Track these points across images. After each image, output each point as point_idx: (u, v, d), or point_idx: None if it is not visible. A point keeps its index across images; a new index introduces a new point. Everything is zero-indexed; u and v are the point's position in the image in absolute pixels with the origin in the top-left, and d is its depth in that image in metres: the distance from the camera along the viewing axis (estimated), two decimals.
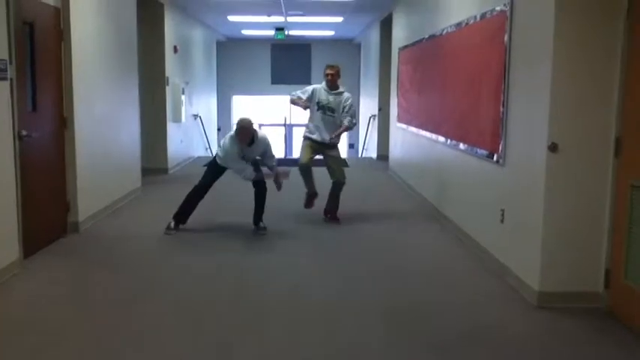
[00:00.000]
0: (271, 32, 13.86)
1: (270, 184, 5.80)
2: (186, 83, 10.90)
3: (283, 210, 6.52)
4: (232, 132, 5.64)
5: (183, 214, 5.74)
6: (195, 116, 12.03)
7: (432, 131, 6.79)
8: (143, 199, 7.35)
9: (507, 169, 4.46)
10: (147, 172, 8.45)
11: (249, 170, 5.58)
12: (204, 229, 5.86)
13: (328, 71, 6.12)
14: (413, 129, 7.89)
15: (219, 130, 15.40)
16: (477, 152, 5.12)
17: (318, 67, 16.72)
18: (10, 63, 4.39)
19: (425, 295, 4.18)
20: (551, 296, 3.89)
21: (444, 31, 6.25)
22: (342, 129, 6.15)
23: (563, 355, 3.31)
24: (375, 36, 12.26)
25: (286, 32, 13.83)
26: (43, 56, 5.04)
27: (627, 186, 3.62)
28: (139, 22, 7.85)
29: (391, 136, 9.98)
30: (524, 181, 4.16)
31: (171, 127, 9.82)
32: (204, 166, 6.07)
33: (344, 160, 6.20)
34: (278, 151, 6.50)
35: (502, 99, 4.51)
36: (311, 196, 6.30)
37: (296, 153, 8.75)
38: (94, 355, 3.22)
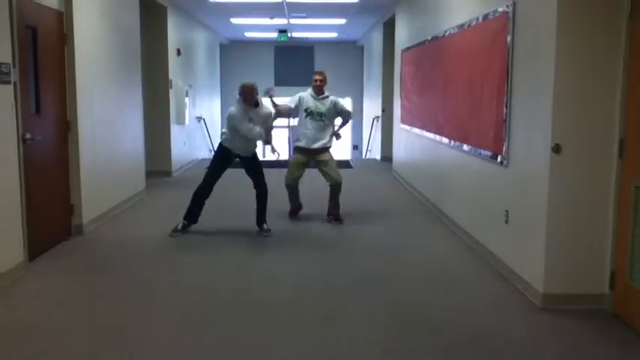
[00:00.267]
0: (274, 34, 13.88)
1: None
2: (190, 86, 10.92)
3: (286, 211, 6.52)
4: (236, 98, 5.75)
5: (190, 214, 5.76)
6: (199, 119, 12.06)
7: (435, 132, 6.79)
8: (147, 202, 7.36)
9: (511, 171, 4.45)
10: (151, 175, 8.46)
11: (258, 129, 5.62)
12: (209, 232, 5.86)
13: (316, 77, 6.28)
14: (416, 130, 7.88)
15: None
16: (480, 153, 5.11)
17: (321, 69, 16.72)
18: (14, 66, 4.40)
19: (428, 296, 4.17)
20: (555, 298, 3.88)
21: (447, 33, 6.24)
22: (341, 125, 6.41)
23: (568, 358, 3.29)
24: (377, 38, 12.26)
25: (289, 34, 13.85)
26: (46, 60, 5.06)
27: (631, 187, 3.61)
28: (142, 25, 7.87)
29: (395, 137, 9.97)
30: (528, 182, 4.15)
31: (174, 130, 9.84)
32: (207, 168, 6.08)
33: (335, 161, 6.31)
34: (283, 153, 6.56)
35: (505, 100, 4.50)
36: (295, 209, 6.49)
37: None
38: (97, 358, 3.22)
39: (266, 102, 6.04)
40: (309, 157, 6.24)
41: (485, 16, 4.98)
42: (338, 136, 6.41)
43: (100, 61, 6.17)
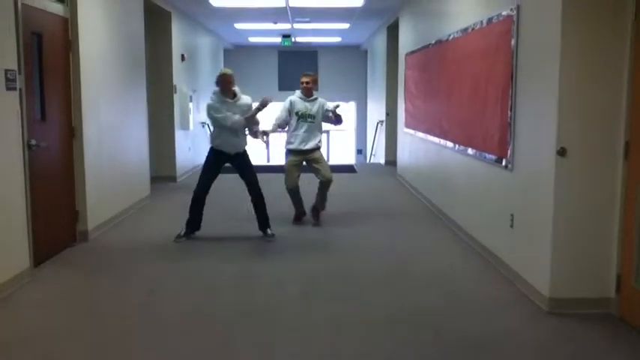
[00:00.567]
0: (278, 39, 13.90)
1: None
2: (194, 91, 10.94)
3: (287, 216, 6.52)
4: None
5: (191, 221, 5.75)
6: (203, 124, 12.07)
7: (439, 136, 6.78)
8: (152, 207, 7.37)
9: (516, 174, 4.44)
10: (155, 180, 8.48)
11: (236, 117, 5.57)
12: (213, 238, 5.86)
13: (304, 79, 6.33)
14: (420, 134, 7.88)
15: None
16: (485, 157, 5.10)
17: (325, 74, 16.74)
18: (19, 73, 4.42)
19: (434, 301, 4.16)
20: (561, 302, 3.86)
21: (451, 36, 6.24)
22: (338, 121, 6.42)
23: None
24: (381, 42, 12.26)
25: (293, 39, 13.87)
26: (51, 66, 5.08)
27: (637, 190, 3.59)
28: (147, 31, 7.90)
29: (399, 141, 9.96)
30: (533, 185, 4.13)
31: (179, 135, 9.85)
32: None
33: (325, 159, 6.39)
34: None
35: (510, 104, 4.49)
36: (299, 215, 6.51)
37: None
38: None
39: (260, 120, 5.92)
40: (301, 157, 6.31)
41: (490, 20, 4.98)
42: (339, 119, 6.38)
43: (104, 67, 6.20)
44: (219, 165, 5.75)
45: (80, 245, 5.52)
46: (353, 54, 16.65)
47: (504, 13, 4.62)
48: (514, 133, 4.44)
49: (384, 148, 12.14)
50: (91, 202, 5.70)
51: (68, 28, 5.39)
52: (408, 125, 8.86)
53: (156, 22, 9.11)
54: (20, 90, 4.44)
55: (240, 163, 5.76)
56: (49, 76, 5.03)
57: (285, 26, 11.98)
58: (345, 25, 12.06)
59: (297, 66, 16.90)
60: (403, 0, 9.03)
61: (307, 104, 6.30)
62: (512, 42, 4.43)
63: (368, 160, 14.72)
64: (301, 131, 6.26)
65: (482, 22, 5.19)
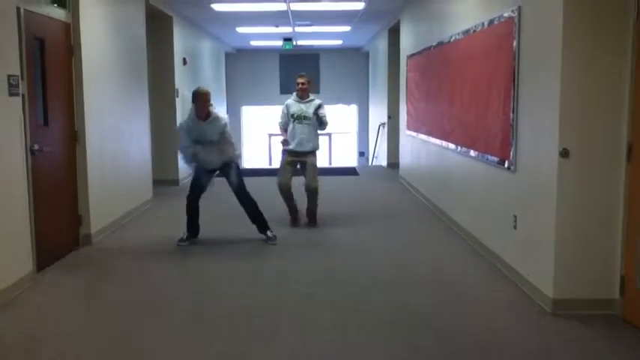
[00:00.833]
0: (279, 43, 13.92)
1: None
2: None
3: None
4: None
5: (189, 225, 5.74)
6: None
7: (441, 138, 6.78)
8: (155, 211, 7.38)
9: (519, 176, 4.43)
10: (158, 184, 8.48)
11: (189, 152, 5.45)
12: (215, 241, 5.87)
13: (299, 80, 6.37)
14: (422, 136, 7.88)
15: None
16: (487, 159, 5.09)
17: (326, 77, 16.78)
18: (22, 79, 4.43)
19: (436, 302, 4.15)
20: (565, 303, 3.85)
21: (452, 38, 6.25)
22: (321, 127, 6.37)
23: None
24: (383, 44, 12.27)
25: (294, 42, 13.89)
26: (53, 71, 5.10)
27: None
28: (148, 35, 7.92)
29: (401, 143, 9.96)
30: (536, 187, 4.13)
31: None
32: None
33: (317, 167, 6.42)
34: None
35: (512, 105, 4.49)
36: (294, 217, 6.50)
37: None
38: None
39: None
40: (296, 158, 6.34)
41: (491, 22, 4.98)
42: (322, 123, 6.31)
43: (106, 72, 6.21)
44: (208, 171, 5.67)
45: (83, 249, 5.52)
46: (354, 57, 16.66)
47: (506, 14, 4.62)
48: (516, 134, 4.44)
49: (386, 151, 12.14)
50: (94, 206, 5.71)
51: (70, 33, 5.41)
52: (409, 127, 8.86)
53: (158, 26, 9.13)
54: (23, 95, 4.45)
55: (226, 172, 5.67)
56: (51, 81, 5.04)
57: (286, 29, 12.00)
58: (347, 28, 12.08)
59: (298, 69, 16.72)
60: (404, 2, 9.04)
61: (302, 106, 6.33)
62: (514, 43, 4.43)
63: (370, 163, 14.72)
64: (297, 133, 6.29)
65: (483, 23, 5.19)
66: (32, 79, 4.68)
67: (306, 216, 6.47)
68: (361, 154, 17.02)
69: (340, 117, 17.27)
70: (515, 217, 4.47)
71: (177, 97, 9.65)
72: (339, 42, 14.95)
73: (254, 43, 14.92)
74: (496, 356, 3.32)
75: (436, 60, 7.06)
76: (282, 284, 4.59)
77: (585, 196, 3.80)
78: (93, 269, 5.03)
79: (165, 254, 5.43)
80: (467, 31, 5.70)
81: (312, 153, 6.37)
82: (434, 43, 7.13)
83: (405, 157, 9.52)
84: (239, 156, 5.72)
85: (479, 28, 5.32)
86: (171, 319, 3.88)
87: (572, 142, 3.74)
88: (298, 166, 6.39)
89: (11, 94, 4.27)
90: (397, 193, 8.83)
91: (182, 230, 5.79)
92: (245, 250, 5.58)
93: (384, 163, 12.30)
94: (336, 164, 16.66)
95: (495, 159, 4.88)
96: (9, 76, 4.23)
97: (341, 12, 10.08)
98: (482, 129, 5.25)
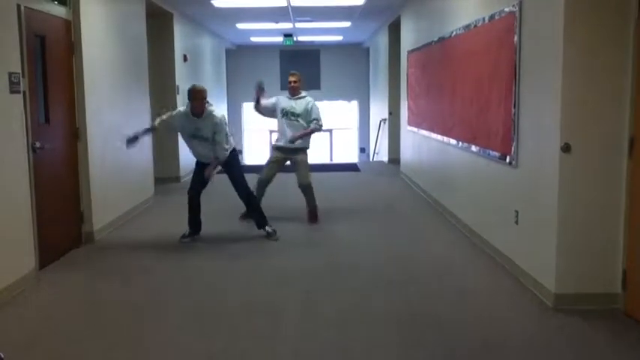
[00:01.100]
0: (280, 39, 13.90)
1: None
2: None
3: (294, 214, 6.52)
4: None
5: (191, 222, 5.75)
6: None
7: (442, 134, 6.77)
8: (156, 208, 7.39)
9: (520, 171, 4.43)
10: (159, 181, 8.49)
11: (151, 126, 5.52)
12: (218, 238, 5.87)
13: (290, 78, 6.41)
14: (423, 132, 7.87)
15: None
16: (489, 154, 5.09)
17: (327, 72, 16.76)
18: (23, 76, 4.43)
19: (438, 298, 4.15)
20: (567, 298, 3.85)
21: (453, 34, 6.23)
22: (305, 131, 6.27)
23: (581, 358, 3.27)
24: (383, 40, 12.25)
25: (295, 38, 13.87)
26: (54, 69, 5.09)
27: None
28: (149, 32, 7.90)
29: (402, 139, 9.96)
30: (537, 182, 4.13)
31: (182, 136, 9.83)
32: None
33: (308, 164, 6.44)
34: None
35: (513, 100, 4.49)
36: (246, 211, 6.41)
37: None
38: None
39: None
40: (286, 155, 6.36)
41: (492, 17, 4.97)
42: (296, 140, 6.21)
43: (107, 69, 6.21)
44: (206, 165, 5.61)
45: (86, 246, 5.53)
46: (355, 52, 16.63)
47: (507, 9, 4.61)
48: (518, 129, 4.44)
49: (387, 147, 12.14)
50: (96, 204, 5.72)
51: (71, 30, 5.41)
52: (410, 123, 8.85)
53: (158, 23, 9.12)
54: (24, 93, 4.45)
55: (226, 165, 5.69)
56: (52, 78, 5.04)
57: (286, 25, 11.98)
58: (347, 24, 12.06)
59: (299, 65, 16.86)
60: None
61: (292, 103, 6.35)
62: (515, 38, 4.43)
63: (371, 159, 14.72)
64: (285, 128, 6.32)
65: (484, 18, 5.18)
66: (33, 76, 4.68)
67: (307, 214, 6.46)
68: (362, 150, 17.02)
69: (341, 113, 17.27)
70: (516, 212, 4.47)
71: (178, 93, 9.63)
72: (339, 38, 14.93)
73: (254, 39, 14.90)
74: (498, 351, 3.33)
75: (437, 55, 7.05)
76: (283, 281, 4.59)
77: (587, 191, 3.80)
78: (95, 267, 5.04)
79: (166, 251, 5.44)
80: (468, 26, 5.69)
81: (302, 150, 6.38)
82: (435, 39, 7.12)
83: (406, 153, 9.52)
84: (227, 155, 5.58)
85: (480, 23, 5.31)
86: (173, 317, 3.89)
87: (573, 136, 3.74)
88: (288, 163, 6.41)
89: (12, 92, 4.27)
90: (398, 189, 8.83)
91: (183, 227, 5.80)
92: (246, 247, 5.59)
93: (385, 159, 12.30)
94: (337, 160, 16.66)
95: (497, 154, 4.87)
96: (10, 74, 4.23)
97: (341, 8, 10.06)
98: (483, 124, 5.24)
